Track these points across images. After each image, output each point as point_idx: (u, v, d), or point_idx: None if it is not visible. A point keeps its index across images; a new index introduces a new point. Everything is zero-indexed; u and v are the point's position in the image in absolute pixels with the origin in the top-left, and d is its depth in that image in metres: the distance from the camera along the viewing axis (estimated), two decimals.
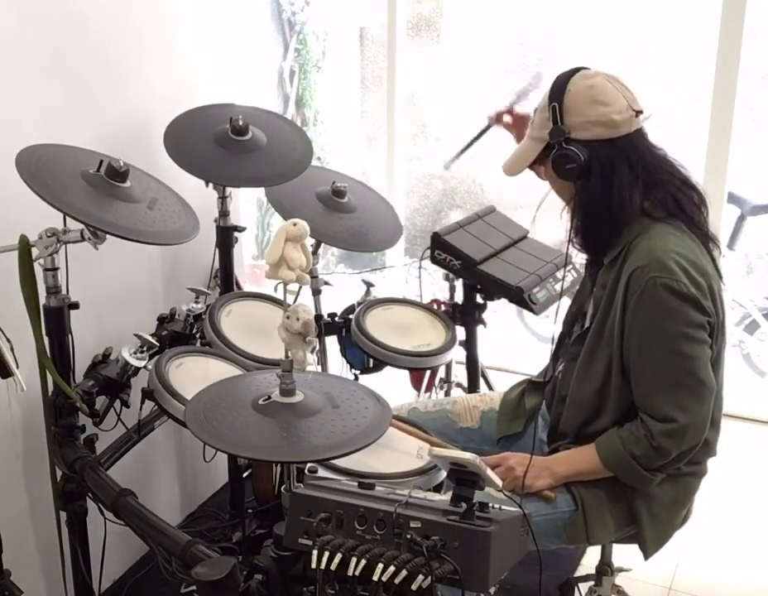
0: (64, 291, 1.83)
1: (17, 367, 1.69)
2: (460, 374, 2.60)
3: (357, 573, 1.17)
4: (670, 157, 1.70)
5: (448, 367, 2.56)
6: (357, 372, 2.34)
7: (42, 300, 1.79)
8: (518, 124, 2.05)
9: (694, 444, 1.61)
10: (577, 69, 1.68)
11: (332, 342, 2.41)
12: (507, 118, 2.09)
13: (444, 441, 1.83)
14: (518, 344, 4.10)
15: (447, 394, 2.60)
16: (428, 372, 2.54)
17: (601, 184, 1.63)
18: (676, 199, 1.66)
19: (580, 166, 1.62)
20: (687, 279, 1.56)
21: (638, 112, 1.64)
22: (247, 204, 4.43)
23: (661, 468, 1.63)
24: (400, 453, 1.75)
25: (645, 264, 1.57)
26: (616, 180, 1.62)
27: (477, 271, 2.30)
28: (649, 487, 1.66)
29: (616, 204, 1.63)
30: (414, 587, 1.14)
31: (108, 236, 1.73)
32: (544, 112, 1.67)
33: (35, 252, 1.74)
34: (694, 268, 1.58)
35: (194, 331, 2.19)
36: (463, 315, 2.43)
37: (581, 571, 2.35)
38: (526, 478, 1.67)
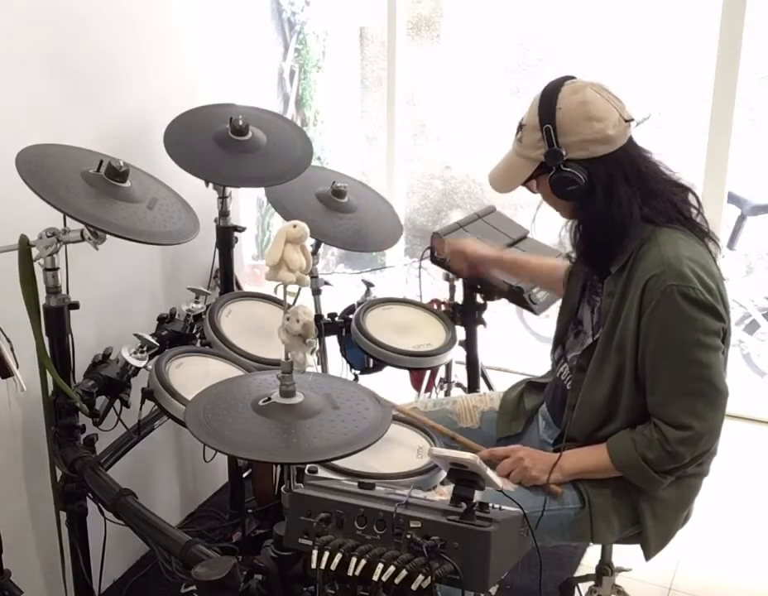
0: (64, 291, 1.83)
1: (17, 367, 1.69)
2: (460, 374, 2.60)
3: (357, 573, 1.17)
4: (656, 159, 1.67)
5: (448, 367, 2.56)
6: (357, 372, 2.34)
7: (42, 300, 1.79)
8: None
9: (708, 449, 1.62)
10: (561, 82, 1.62)
11: (332, 342, 2.41)
12: None
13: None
14: (518, 344, 4.10)
15: (447, 394, 2.59)
16: (428, 372, 2.54)
17: (603, 201, 1.60)
18: (674, 205, 1.65)
19: (582, 187, 1.59)
20: (702, 286, 1.55)
21: (629, 121, 1.61)
22: (247, 204, 4.43)
23: (672, 471, 1.63)
24: (400, 453, 1.75)
25: (660, 272, 1.56)
26: (616, 195, 1.59)
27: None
28: (657, 490, 1.66)
29: (618, 219, 1.60)
30: (414, 587, 1.14)
31: (108, 236, 1.73)
32: (535, 133, 1.61)
33: (35, 252, 1.74)
34: (706, 273, 1.57)
35: (194, 331, 2.19)
36: (463, 315, 2.42)
37: (581, 571, 2.35)
38: (535, 471, 1.68)
